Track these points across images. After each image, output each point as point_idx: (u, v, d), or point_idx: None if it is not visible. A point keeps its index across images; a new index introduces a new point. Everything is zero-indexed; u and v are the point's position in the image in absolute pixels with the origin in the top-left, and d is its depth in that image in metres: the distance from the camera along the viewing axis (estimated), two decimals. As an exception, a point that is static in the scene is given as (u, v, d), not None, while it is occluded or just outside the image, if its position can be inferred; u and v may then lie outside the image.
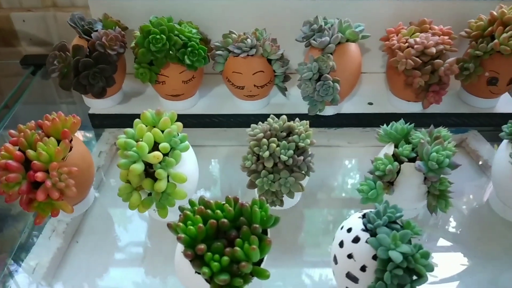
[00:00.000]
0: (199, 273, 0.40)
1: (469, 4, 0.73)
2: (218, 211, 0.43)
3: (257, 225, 0.41)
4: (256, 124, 0.56)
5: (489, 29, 0.66)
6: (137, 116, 0.54)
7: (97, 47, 0.65)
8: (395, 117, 0.59)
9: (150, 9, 0.72)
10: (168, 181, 0.51)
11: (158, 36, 0.62)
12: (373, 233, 0.42)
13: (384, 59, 0.80)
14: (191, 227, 0.41)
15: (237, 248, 0.40)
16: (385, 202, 0.44)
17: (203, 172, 0.67)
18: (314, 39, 0.64)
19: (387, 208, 0.44)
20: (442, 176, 0.51)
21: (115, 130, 0.75)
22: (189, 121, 0.73)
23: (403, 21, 0.71)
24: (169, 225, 0.42)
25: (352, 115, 0.73)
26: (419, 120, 0.71)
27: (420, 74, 0.65)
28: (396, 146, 0.54)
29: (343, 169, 0.72)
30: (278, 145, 0.52)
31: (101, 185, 0.67)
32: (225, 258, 0.39)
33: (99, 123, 0.74)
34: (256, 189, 0.55)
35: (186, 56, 0.64)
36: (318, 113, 0.68)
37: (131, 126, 0.53)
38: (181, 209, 0.44)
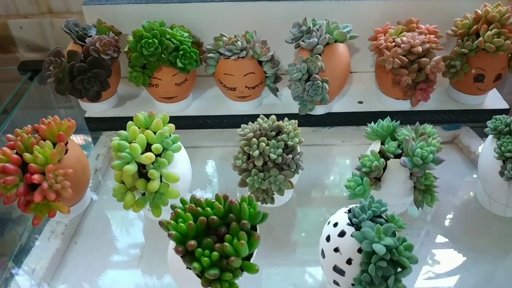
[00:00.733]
0: (190, 269, 0.42)
1: (455, 3, 0.74)
2: (208, 209, 0.44)
3: (246, 221, 0.43)
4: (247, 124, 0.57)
5: (474, 27, 0.67)
6: (132, 118, 0.55)
7: (91, 52, 0.66)
8: (384, 115, 0.61)
9: (143, 14, 0.73)
10: (161, 181, 0.52)
11: (150, 40, 0.64)
12: (358, 227, 0.43)
13: (373, 58, 0.81)
14: (182, 224, 0.42)
15: (227, 244, 0.41)
16: (370, 197, 0.46)
17: (199, 172, 0.69)
18: (303, 40, 0.66)
19: (372, 202, 0.45)
20: (427, 171, 0.53)
21: (113, 133, 0.76)
22: (183, 122, 0.75)
23: (391, 21, 0.73)
24: (161, 223, 0.43)
25: (342, 114, 0.75)
26: (408, 117, 0.73)
27: (407, 72, 0.66)
28: (382, 143, 0.56)
29: (337, 167, 0.73)
30: (267, 144, 0.54)
31: (99, 187, 0.68)
32: (215, 253, 0.41)
33: (96, 126, 0.76)
34: (247, 188, 0.56)
35: (178, 59, 0.66)
36: (308, 112, 0.70)
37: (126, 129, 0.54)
38: (172, 207, 0.45)
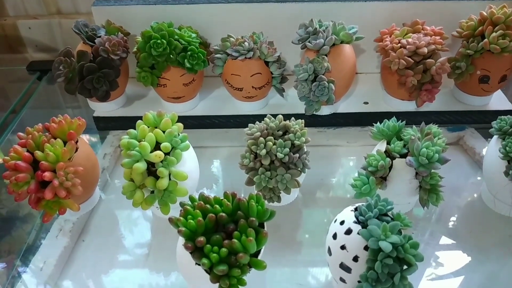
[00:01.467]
0: (199, 265, 0.42)
1: (460, 5, 0.75)
2: (217, 206, 0.45)
3: (254, 219, 0.44)
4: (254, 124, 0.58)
5: (479, 28, 0.68)
6: (140, 118, 0.56)
7: (100, 52, 0.67)
8: (390, 115, 0.61)
9: (151, 15, 0.74)
10: (169, 179, 0.53)
11: (159, 41, 0.65)
12: (364, 225, 0.44)
13: (379, 59, 0.82)
14: (191, 221, 0.43)
15: (235, 240, 0.42)
16: (377, 195, 0.46)
17: (206, 172, 0.70)
18: (309, 41, 0.66)
19: (378, 201, 0.46)
20: (432, 171, 0.53)
21: (119, 133, 0.77)
22: (190, 122, 0.75)
23: (396, 22, 0.73)
24: (170, 220, 0.44)
25: (348, 115, 0.76)
26: (413, 118, 0.74)
27: (413, 73, 0.67)
28: (388, 143, 0.56)
29: (342, 168, 0.74)
30: (274, 143, 0.55)
31: (106, 185, 0.69)
32: (224, 249, 0.42)
33: (104, 125, 0.77)
34: (254, 186, 0.57)
35: (186, 60, 0.67)
36: (314, 112, 0.70)
37: (135, 128, 0.55)
38: (181, 204, 0.46)
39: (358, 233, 0.43)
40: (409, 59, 0.66)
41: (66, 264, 0.57)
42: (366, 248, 0.43)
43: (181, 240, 0.45)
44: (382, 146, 0.57)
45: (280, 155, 0.54)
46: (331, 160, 0.74)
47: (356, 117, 0.76)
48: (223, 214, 0.44)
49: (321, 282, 0.55)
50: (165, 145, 0.53)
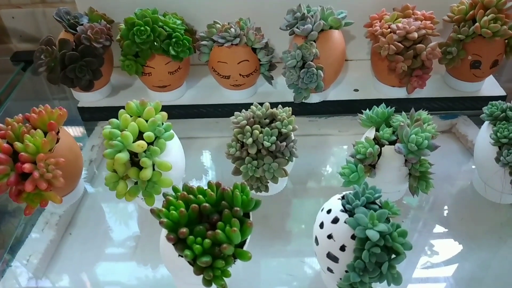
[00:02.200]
0: (182, 256, 0.41)
1: (451, -11, 0.73)
2: (200, 196, 0.44)
3: (238, 208, 0.42)
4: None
5: (471, 12, 0.67)
6: (126, 108, 0.55)
7: (82, 40, 0.65)
8: (380, 102, 0.59)
9: (136, 1, 0.72)
10: (153, 169, 0.52)
11: (142, 28, 0.63)
12: (351, 214, 0.43)
13: (369, 46, 0.81)
14: (174, 212, 0.42)
15: (219, 231, 0.41)
16: (364, 183, 0.45)
17: (195, 163, 0.69)
18: (297, 27, 0.65)
19: (366, 189, 0.45)
20: (422, 157, 0.52)
21: (107, 124, 0.75)
22: (177, 112, 0.74)
23: (386, 7, 0.72)
24: (152, 211, 0.43)
25: (338, 102, 0.74)
26: (404, 105, 0.72)
27: (403, 59, 0.66)
28: (377, 130, 0.55)
29: (334, 157, 0.73)
30: (261, 132, 0.53)
31: (94, 178, 0.67)
32: (207, 240, 0.41)
33: (89, 116, 0.75)
34: (241, 176, 0.56)
35: (170, 47, 0.65)
36: (303, 100, 0.69)
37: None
38: (164, 195, 0.45)
39: (345, 222, 0.42)
40: (399, 44, 0.65)
41: (53, 257, 0.56)
42: (353, 237, 0.42)
43: (164, 232, 0.44)
44: (371, 133, 0.56)
45: (267, 143, 0.53)
46: (322, 149, 0.73)
47: (346, 104, 0.75)
48: (207, 205, 0.43)
49: (311, 272, 0.54)
50: (148, 134, 0.51)
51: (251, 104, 0.58)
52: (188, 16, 0.73)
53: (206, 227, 0.42)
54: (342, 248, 0.42)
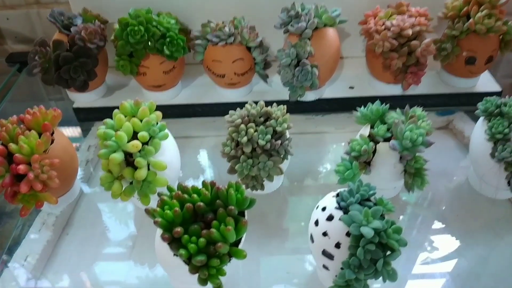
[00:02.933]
0: (177, 256, 0.41)
1: (445, -15, 0.73)
2: (195, 195, 0.44)
3: (233, 207, 0.42)
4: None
5: (465, 9, 0.67)
6: (121, 108, 0.54)
7: (76, 41, 0.65)
8: (376, 100, 0.59)
9: (130, 1, 0.72)
10: (148, 169, 0.52)
11: (136, 28, 0.63)
12: (346, 211, 0.43)
13: (364, 43, 0.80)
14: (168, 211, 0.42)
15: (213, 230, 0.41)
16: (359, 180, 0.45)
17: (191, 162, 0.69)
18: (291, 25, 0.65)
19: (360, 186, 0.45)
20: (417, 154, 0.52)
21: (103, 124, 0.75)
22: (172, 111, 0.74)
23: (381, 4, 0.72)
24: (147, 211, 0.43)
25: (333, 100, 0.74)
26: (400, 102, 0.72)
27: (397, 56, 0.66)
28: (372, 127, 0.55)
29: (330, 154, 0.73)
30: (256, 130, 0.53)
31: (91, 178, 0.67)
32: (202, 239, 0.41)
33: (84, 116, 0.75)
34: (237, 175, 0.56)
35: (165, 47, 0.65)
36: (299, 99, 0.69)
37: (114, 118, 0.54)
38: (159, 194, 0.45)
39: (339, 219, 0.42)
40: (394, 41, 0.65)
41: (50, 257, 0.56)
42: (348, 234, 0.42)
43: (159, 232, 0.43)
44: (365, 130, 0.56)
45: (261, 142, 0.53)
46: (318, 147, 0.73)
47: (342, 102, 0.74)
48: (201, 204, 0.43)
49: (308, 269, 0.54)
50: (143, 134, 0.51)
51: (247, 103, 0.58)
52: (182, 15, 0.73)
53: (201, 226, 0.42)
54: (337, 245, 0.42)
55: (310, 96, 0.72)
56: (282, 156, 0.54)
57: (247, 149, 0.53)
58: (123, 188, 0.52)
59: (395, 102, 0.65)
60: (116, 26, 0.66)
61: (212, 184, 0.45)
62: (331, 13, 0.65)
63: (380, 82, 0.73)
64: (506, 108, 0.54)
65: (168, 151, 0.55)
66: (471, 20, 0.65)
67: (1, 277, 0.54)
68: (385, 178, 0.55)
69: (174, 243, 0.41)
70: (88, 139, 0.73)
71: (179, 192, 0.44)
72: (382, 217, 0.43)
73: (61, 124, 0.57)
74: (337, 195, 0.45)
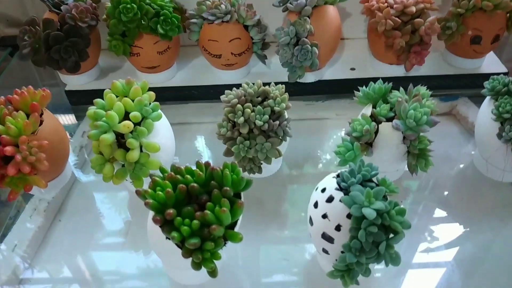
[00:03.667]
0: (170, 239, 0.39)
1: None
2: (188, 176, 0.42)
3: (228, 188, 0.40)
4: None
5: (471, -15, 0.64)
6: (115, 90, 0.52)
7: (67, 20, 0.63)
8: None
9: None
10: (141, 151, 0.50)
11: (128, 6, 0.61)
12: (347, 192, 0.41)
13: (366, 24, 0.78)
14: (160, 192, 0.40)
15: (207, 212, 0.39)
16: (361, 160, 0.43)
17: (189, 148, 0.68)
18: (290, 3, 0.62)
19: (362, 166, 0.43)
20: (421, 134, 0.50)
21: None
22: (167, 94, 0.72)
23: (383, -19, 0.69)
24: (138, 192, 0.41)
25: (334, 82, 0.72)
26: (403, 83, 0.69)
27: (401, 34, 0.63)
28: (374, 107, 0.53)
29: (331, 140, 0.71)
30: (253, 111, 0.51)
31: (85, 164, 0.66)
32: (195, 221, 0.39)
33: (77, 100, 0.73)
34: (233, 157, 0.54)
35: (159, 25, 0.63)
36: (298, 80, 0.67)
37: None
38: (150, 176, 0.43)
39: (340, 201, 0.40)
40: (397, 19, 0.62)
41: (42, 244, 0.55)
42: (349, 216, 0.40)
43: (151, 214, 0.42)
44: (367, 110, 0.53)
45: (259, 122, 0.51)
46: (319, 133, 0.71)
47: (343, 83, 0.72)
48: (195, 185, 0.40)
49: (307, 256, 0.53)
50: (135, 114, 0.49)
51: (244, 84, 0.55)
52: (177, -7, 0.71)
53: (194, 208, 0.40)
54: (338, 228, 0.41)
55: (310, 77, 0.70)
56: (280, 137, 0.52)
57: (244, 130, 0.51)
58: (115, 171, 0.50)
59: (397, 83, 0.62)
60: (108, 4, 0.64)
61: (207, 164, 0.43)
62: (332, -11, 0.62)
63: (382, 63, 0.71)
64: (515, 86, 0.52)
65: (162, 132, 0.53)
66: (477, -4, 0.62)
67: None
68: (387, 160, 0.52)
69: (166, 225, 0.39)
70: (82, 125, 0.72)
71: (172, 173, 0.42)
72: (385, 198, 0.41)
73: (55, 110, 0.54)
74: (338, 175, 0.43)
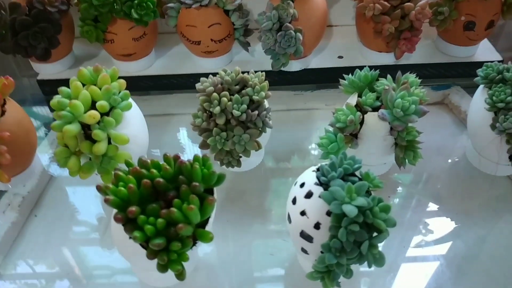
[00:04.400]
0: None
1: None
2: (154, 170, 0.38)
3: (197, 184, 0.37)
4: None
5: (464, -33, 0.61)
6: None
7: (35, 4, 0.59)
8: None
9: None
10: (109, 143, 0.46)
11: (100, -12, 0.57)
12: (327, 187, 0.38)
13: (354, 10, 0.74)
14: (122, 188, 0.36)
15: (174, 209, 0.36)
16: (343, 153, 0.40)
17: (172, 140, 0.65)
18: (272, -14, 0.59)
19: (344, 159, 0.40)
20: (409, 125, 0.47)
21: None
22: (145, 83, 0.68)
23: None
24: (98, 187, 0.37)
25: (320, 70, 0.69)
26: (393, 72, 0.66)
27: (390, 19, 0.60)
28: (360, 96, 0.50)
29: (320, 131, 0.68)
30: (230, 100, 0.48)
31: (61, 158, 0.62)
32: (160, 220, 0.35)
33: (50, 90, 0.69)
34: (209, 150, 0.50)
35: (133, 10, 0.59)
36: (282, 68, 0.63)
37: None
38: (115, 170, 0.39)
39: (319, 196, 0.37)
40: (385, 3, 0.59)
41: (16, 240, 0.52)
42: (328, 213, 0.37)
43: (114, 212, 0.38)
44: (352, 99, 0.50)
45: (236, 112, 0.47)
46: (308, 124, 0.68)
47: (330, 72, 0.69)
48: (161, 180, 0.37)
49: (293, 250, 0.50)
50: (101, 103, 0.46)
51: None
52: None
53: (160, 205, 0.37)
54: (317, 226, 0.37)
55: (295, 65, 0.66)
56: (259, 128, 0.49)
57: (220, 121, 0.48)
58: (82, 165, 0.47)
59: (387, 72, 0.59)
60: (80, -12, 0.60)
61: (175, 157, 0.39)
62: (317, -28, 0.59)
63: (371, 50, 0.68)
64: (509, 73, 0.49)
65: (133, 123, 0.49)
66: (471, -21, 0.59)
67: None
68: (373, 152, 0.49)
69: (129, 224, 0.36)
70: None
71: (137, 167, 0.38)
72: (368, 193, 0.38)
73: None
74: (318, 169, 0.40)
